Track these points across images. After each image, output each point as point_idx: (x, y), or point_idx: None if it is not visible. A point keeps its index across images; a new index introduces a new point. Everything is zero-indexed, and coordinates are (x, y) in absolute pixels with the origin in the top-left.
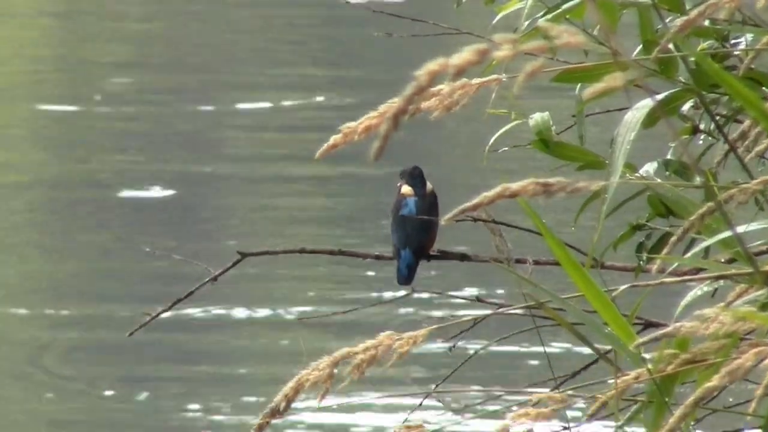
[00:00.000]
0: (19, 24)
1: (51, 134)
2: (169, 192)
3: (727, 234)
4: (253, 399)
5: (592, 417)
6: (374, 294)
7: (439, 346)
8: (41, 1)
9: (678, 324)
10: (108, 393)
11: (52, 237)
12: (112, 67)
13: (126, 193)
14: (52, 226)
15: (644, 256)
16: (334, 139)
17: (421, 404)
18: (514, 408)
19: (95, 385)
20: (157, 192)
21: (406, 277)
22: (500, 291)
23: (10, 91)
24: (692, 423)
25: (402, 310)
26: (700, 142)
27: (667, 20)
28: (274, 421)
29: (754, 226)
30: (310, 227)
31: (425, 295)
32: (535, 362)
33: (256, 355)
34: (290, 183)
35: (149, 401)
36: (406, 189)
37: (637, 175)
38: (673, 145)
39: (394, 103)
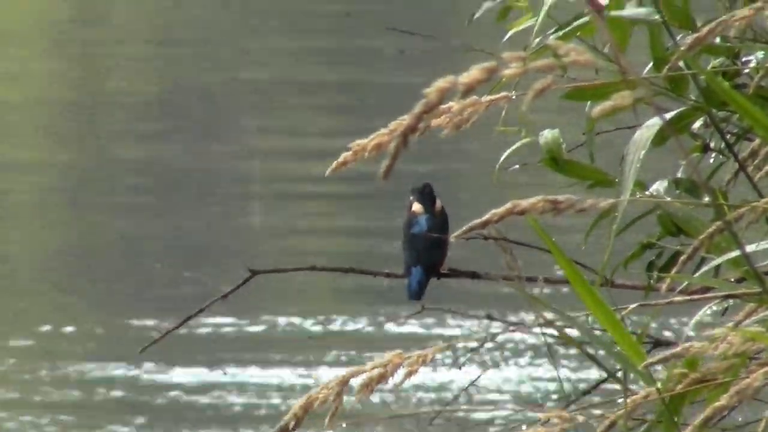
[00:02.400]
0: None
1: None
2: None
3: (736, 253)
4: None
5: None
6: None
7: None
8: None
9: (687, 343)
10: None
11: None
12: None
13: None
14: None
15: (654, 274)
16: (344, 156)
17: (431, 423)
18: (523, 427)
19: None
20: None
21: (416, 294)
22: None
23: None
24: None
25: (412, 329)
26: (711, 160)
27: (678, 38)
28: None
29: (764, 245)
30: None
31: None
32: (544, 381)
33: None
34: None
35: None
36: (416, 207)
37: (647, 193)
38: (683, 163)
39: (403, 121)
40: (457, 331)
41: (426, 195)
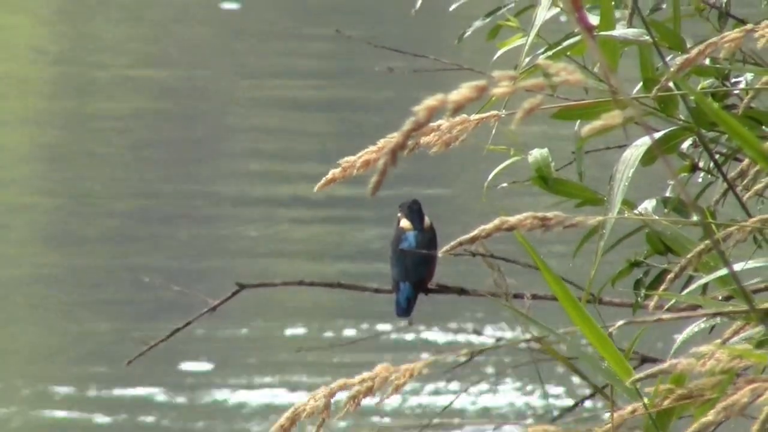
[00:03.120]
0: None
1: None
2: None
3: (723, 272)
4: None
5: None
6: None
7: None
8: None
9: (674, 360)
10: None
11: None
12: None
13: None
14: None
15: (642, 292)
16: (332, 173)
17: None
18: None
19: None
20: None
21: (404, 310)
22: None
23: None
24: None
25: (401, 342)
26: (700, 179)
27: (668, 58)
28: None
29: (751, 263)
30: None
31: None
32: (531, 396)
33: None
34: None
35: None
36: (405, 223)
37: (635, 212)
38: (672, 182)
39: (392, 138)
40: (447, 339)
41: (414, 211)
